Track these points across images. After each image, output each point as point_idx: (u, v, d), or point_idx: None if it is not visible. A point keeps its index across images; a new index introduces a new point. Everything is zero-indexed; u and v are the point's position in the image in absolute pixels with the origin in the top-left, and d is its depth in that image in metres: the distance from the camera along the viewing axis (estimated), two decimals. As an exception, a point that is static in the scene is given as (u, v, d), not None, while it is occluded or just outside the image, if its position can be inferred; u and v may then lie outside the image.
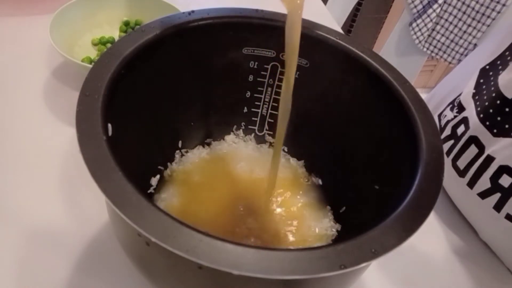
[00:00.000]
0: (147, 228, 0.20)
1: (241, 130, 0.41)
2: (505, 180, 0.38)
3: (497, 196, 0.38)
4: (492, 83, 0.40)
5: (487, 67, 0.43)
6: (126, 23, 0.57)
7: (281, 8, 0.38)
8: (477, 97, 0.42)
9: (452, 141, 0.43)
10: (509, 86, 0.38)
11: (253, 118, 0.41)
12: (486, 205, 0.39)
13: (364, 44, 0.35)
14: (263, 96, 0.39)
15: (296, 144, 0.41)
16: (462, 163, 0.41)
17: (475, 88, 0.43)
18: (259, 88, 0.39)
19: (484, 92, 0.41)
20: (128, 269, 0.35)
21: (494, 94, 0.39)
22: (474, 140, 0.40)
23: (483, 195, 0.40)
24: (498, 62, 0.41)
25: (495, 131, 0.38)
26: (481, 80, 0.43)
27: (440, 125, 0.46)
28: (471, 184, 0.41)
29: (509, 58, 0.40)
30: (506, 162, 0.37)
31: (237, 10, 0.35)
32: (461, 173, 0.41)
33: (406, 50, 1.13)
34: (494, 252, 0.42)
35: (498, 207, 0.39)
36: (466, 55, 1.04)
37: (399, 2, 1.37)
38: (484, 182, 0.39)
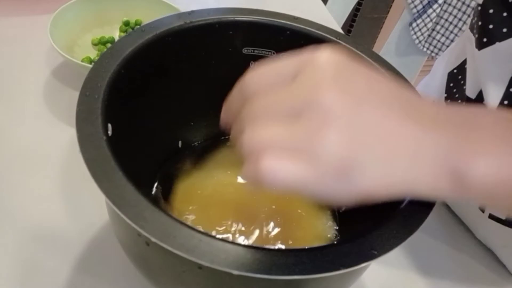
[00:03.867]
0: (147, 228, 0.20)
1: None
2: None
3: None
4: (464, 87, 0.40)
5: (455, 70, 0.43)
6: (126, 23, 0.57)
7: (281, 8, 0.38)
8: (449, 101, 0.42)
9: None
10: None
11: (253, 118, 0.41)
12: (473, 206, 0.40)
13: (364, 44, 0.35)
14: (263, 96, 0.39)
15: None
16: None
17: (446, 92, 0.43)
18: (259, 88, 0.39)
19: (456, 96, 0.41)
20: (128, 269, 0.35)
21: (465, 98, 0.39)
22: None
23: None
24: (465, 66, 0.41)
25: None
26: (451, 84, 0.43)
27: None
28: None
29: None
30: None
31: (237, 10, 0.35)
32: None
33: (406, 50, 1.13)
34: (490, 250, 0.42)
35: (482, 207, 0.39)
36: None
37: (399, 2, 1.37)
38: None
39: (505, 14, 0.34)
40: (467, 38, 0.40)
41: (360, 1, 1.40)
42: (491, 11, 0.35)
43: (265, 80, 0.23)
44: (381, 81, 0.23)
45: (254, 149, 0.21)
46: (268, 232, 0.34)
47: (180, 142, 0.39)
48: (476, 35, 0.37)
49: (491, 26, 0.35)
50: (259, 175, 0.21)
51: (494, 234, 0.40)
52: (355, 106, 0.21)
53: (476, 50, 0.37)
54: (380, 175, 0.22)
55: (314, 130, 0.21)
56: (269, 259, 0.20)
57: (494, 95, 0.36)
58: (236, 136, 0.24)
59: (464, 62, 0.41)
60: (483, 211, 0.39)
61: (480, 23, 0.36)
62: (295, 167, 0.21)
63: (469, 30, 0.39)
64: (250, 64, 0.37)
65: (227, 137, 0.41)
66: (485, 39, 0.36)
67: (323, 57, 0.22)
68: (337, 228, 0.36)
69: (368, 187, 0.22)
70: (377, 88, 0.23)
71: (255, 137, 0.22)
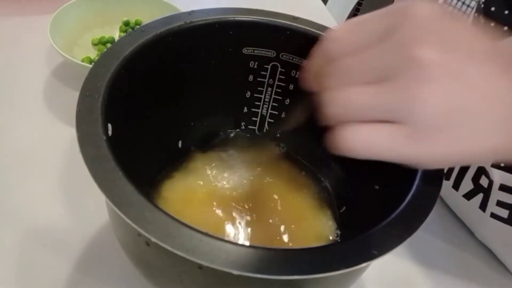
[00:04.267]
0: (147, 228, 0.20)
1: (241, 130, 0.41)
2: (484, 181, 0.38)
3: (480, 196, 0.39)
4: None
5: None
6: (126, 23, 0.57)
7: (281, 8, 0.38)
8: None
9: None
10: None
11: (253, 118, 0.41)
12: (473, 206, 0.40)
13: (364, 44, 0.35)
14: (263, 96, 0.39)
15: (297, 144, 0.41)
16: None
17: None
18: (259, 88, 0.39)
19: None
20: (128, 269, 0.35)
21: None
22: None
23: (468, 196, 0.40)
24: None
25: None
26: None
27: None
28: (456, 186, 0.41)
29: None
30: (481, 163, 0.38)
31: (237, 10, 0.35)
32: (446, 176, 0.42)
33: (406, 50, 1.13)
34: (490, 250, 0.42)
35: (483, 206, 0.39)
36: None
37: (399, 2, 1.36)
38: (467, 184, 0.40)
39: (506, 12, 0.34)
40: None
41: (360, 1, 1.40)
42: (493, 9, 0.35)
43: (351, 38, 0.21)
44: (480, 35, 0.21)
45: (340, 116, 0.20)
46: (268, 232, 0.34)
47: (180, 142, 0.39)
48: None
49: (492, 24, 0.35)
50: (347, 148, 0.20)
51: (494, 234, 0.40)
52: (457, 62, 0.19)
53: None
54: (482, 136, 0.20)
55: (409, 89, 0.19)
56: (269, 259, 0.20)
57: None
58: (324, 94, 0.22)
59: None
60: (483, 211, 0.39)
61: (482, 21, 0.36)
62: (385, 137, 0.20)
63: None
64: (250, 64, 0.37)
65: (226, 137, 0.41)
66: None
67: (417, 9, 0.20)
68: (337, 228, 0.36)
69: (466, 149, 0.20)
70: (478, 42, 0.20)
71: (341, 102, 0.20)
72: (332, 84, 0.21)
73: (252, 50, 0.37)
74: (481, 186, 0.38)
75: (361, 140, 0.20)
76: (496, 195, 0.37)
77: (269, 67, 0.38)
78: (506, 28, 0.35)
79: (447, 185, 0.42)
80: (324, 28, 0.35)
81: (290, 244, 0.34)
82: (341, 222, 0.36)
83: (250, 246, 0.20)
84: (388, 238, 0.22)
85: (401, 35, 0.19)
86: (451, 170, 0.41)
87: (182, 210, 0.35)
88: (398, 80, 0.19)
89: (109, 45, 0.55)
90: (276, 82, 0.38)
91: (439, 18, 0.20)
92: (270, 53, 0.37)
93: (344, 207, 0.36)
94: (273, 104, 0.40)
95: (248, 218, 0.35)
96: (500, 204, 0.37)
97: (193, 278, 0.24)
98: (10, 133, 0.44)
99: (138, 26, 0.51)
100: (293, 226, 0.35)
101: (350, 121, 0.20)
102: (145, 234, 0.20)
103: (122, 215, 0.20)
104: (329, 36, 0.22)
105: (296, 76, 0.37)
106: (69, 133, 0.45)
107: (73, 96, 0.34)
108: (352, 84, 0.20)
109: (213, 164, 0.39)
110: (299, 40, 0.35)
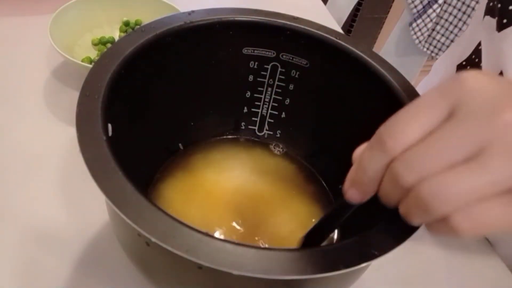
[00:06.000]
0: (147, 228, 0.20)
1: (241, 130, 0.41)
2: None
3: None
4: None
5: (464, 63, 0.43)
6: (126, 23, 0.57)
7: (281, 8, 0.38)
8: None
9: None
10: None
11: (253, 118, 0.41)
12: None
13: (364, 44, 0.35)
14: (263, 96, 0.39)
15: (297, 144, 0.41)
16: None
17: None
18: (259, 88, 0.39)
19: None
20: (128, 269, 0.35)
21: None
22: None
23: None
24: (473, 57, 0.42)
25: None
26: None
27: None
28: None
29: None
30: None
31: (237, 10, 0.35)
32: None
33: (406, 50, 1.13)
34: (492, 250, 0.42)
35: None
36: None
37: (399, 2, 1.37)
38: None
39: (511, 7, 0.35)
40: (481, 24, 0.41)
41: (360, 1, 1.40)
42: (499, 5, 0.36)
43: (412, 129, 0.19)
44: None
45: (445, 209, 0.19)
46: (268, 232, 0.34)
47: (180, 143, 0.39)
48: (496, 17, 0.38)
49: (511, 7, 0.36)
50: (458, 234, 0.19)
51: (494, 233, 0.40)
52: None
53: (496, 32, 0.38)
54: None
55: None
56: (269, 259, 0.20)
57: None
58: (394, 196, 0.21)
59: (472, 54, 0.42)
60: None
61: (499, 5, 0.37)
62: (501, 210, 0.18)
63: (482, 17, 0.40)
64: (250, 64, 0.37)
65: (226, 137, 0.41)
66: (505, 20, 0.37)
67: (469, 79, 0.19)
68: (338, 228, 0.36)
69: None
70: None
71: (442, 193, 0.18)
72: (405, 177, 0.19)
73: (252, 50, 0.37)
74: None
75: (478, 222, 0.19)
76: None
77: (269, 67, 0.38)
78: (505, 21, 0.35)
79: None
80: (324, 28, 0.35)
81: (291, 244, 0.34)
82: (341, 223, 0.36)
83: (250, 246, 0.20)
84: (388, 238, 0.22)
85: (471, 110, 0.18)
86: None
87: (182, 210, 0.35)
88: (492, 156, 0.18)
89: (109, 45, 0.55)
90: (276, 82, 0.38)
91: (494, 82, 0.19)
92: (270, 53, 0.37)
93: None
94: (273, 104, 0.40)
95: (248, 218, 0.35)
96: None
97: (193, 278, 0.24)
98: (10, 133, 0.44)
99: (138, 26, 0.51)
100: (292, 226, 0.35)
101: (457, 208, 0.18)
102: (145, 234, 0.20)
103: (122, 215, 0.20)
104: (381, 132, 0.21)
105: (296, 76, 0.38)
106: (69, 133, 0.45)
107: (73, 96, 0.34)
108: (439, 170, 0.19)
109: (213, 164, 0.39)
110: (299, 40, 0.35)
